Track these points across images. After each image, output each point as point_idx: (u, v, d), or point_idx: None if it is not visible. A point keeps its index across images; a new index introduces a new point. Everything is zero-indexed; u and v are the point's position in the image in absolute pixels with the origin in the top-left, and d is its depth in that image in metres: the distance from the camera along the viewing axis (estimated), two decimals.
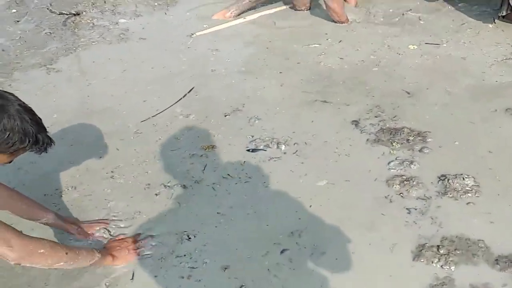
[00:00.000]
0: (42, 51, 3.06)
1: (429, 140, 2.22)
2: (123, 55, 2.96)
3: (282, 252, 1.76)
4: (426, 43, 2.96)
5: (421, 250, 1.74)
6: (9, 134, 1.37)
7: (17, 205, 1.76)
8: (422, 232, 1.81)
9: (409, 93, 2.54)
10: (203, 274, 1.67)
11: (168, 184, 2.06)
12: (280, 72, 2.76)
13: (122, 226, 1.88)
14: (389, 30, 3.13)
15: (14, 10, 3.55)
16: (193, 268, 1.70)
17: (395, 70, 2.75)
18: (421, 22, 3.21)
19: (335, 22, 3.19)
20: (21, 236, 1.47)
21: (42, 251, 1.50)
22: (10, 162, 1.48)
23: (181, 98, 2.54)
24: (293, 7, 3.41)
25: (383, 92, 2.56)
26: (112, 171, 2.13)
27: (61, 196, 2.02)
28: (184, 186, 2.05)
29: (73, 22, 3.36)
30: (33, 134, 1.42)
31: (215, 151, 2.25)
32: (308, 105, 2.50)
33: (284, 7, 3.45)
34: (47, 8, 3.52)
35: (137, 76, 2.76)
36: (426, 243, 1.77)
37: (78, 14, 3.43)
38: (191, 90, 2.59)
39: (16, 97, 1.44)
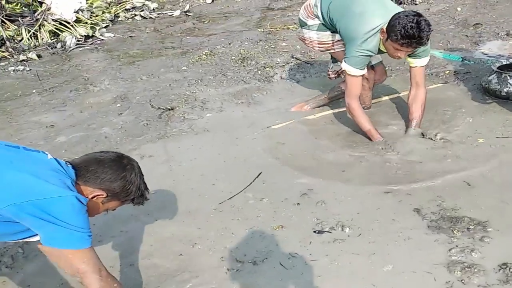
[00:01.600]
0: (139, 138, 3.52)
1: (490, 229, 2.27)
2: (205, 144, 3.33)
3: None
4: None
5: None
6: (131, 187, 1.80)
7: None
8: None
9: (469, 184, 2.63)
10: None
11: (241, 260, 2.26)
12: (344, 169, 2.95)
13: None
14: None
15: (119, 105, 4.13)
16: None
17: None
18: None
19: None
20: (105, 268, 1.75)
21: (116, 285, 1.76)
22: (114, 209, 1.90)
23: (251, 183, 2.83)
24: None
25: (445, 183, 2.67)
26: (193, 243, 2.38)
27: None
28: (255, 263, 2.25)
29: (167, 116, 3.83)
30: (143, 190, 1.87)
31: (283, 231, 2.44)
32: (372, 193, 2.66)
33: None
34: (148, 103, 4.05)
35: (214, 162, 3.09)
36: None
37: (172, 109, 3.92)
38: (259, 175, 2.89)
39: (136, 161, 1.90)
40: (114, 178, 1.76)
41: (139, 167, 1.88)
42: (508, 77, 3.43)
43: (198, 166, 3.07)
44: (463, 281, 2.02)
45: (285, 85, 4.19)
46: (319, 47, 3.39)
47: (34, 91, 4.64)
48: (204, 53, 5.06)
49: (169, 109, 3.91)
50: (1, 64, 5.48)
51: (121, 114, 3.96)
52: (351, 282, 2.08)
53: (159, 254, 2.34)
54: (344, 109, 3.40)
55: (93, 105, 4.19)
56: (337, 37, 3.20)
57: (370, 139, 3.14)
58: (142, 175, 1.88)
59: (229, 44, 5.30)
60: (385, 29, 2.81)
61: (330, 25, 3.18)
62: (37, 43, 5.98)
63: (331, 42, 3.29)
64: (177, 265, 2.26)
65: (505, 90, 3.43)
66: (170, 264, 2.27)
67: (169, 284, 2.16)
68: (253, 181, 2.85)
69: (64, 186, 1.65)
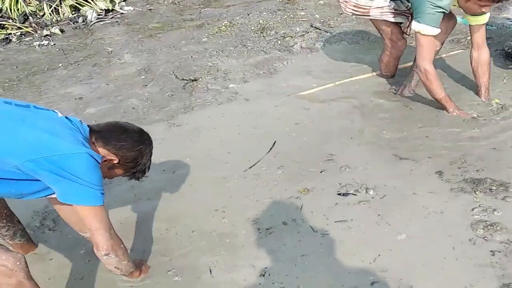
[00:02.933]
0: (165, 109, 3.61)
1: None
2: (231, 114, 3.42)
3: (372, 284, 1.98)
4: None
5: None
6: (141, 160, 1.90)
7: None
8: (507, 272, 1.93)
9: (494, 148, 2.69)
10: None
11: (270, 223, 2.38)
12: (369, 135, 3.02)
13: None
14: None
15: (143, 77, 4.22)
16: None
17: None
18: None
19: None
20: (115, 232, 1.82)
21: (122, 246, 1.86)
22: (111, 178, 1.96)
23: (269, 150, 2.93)
24: (380, 73, 3.65)
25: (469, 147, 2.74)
26: (223, 211, 2.50)
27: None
28: (285, 223, 2.36)
29: (191, 87, 3.92)
30: (147, 167, 1.97)
31: (309, 194, 2.54)
32: (395, 158, 2.74)
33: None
34: (171, 74, 4.14)
35: (240, 131, 3.19)
36: (510, 283, 1.88)
37: (196, 80, 4.00)
38: (274, 144, 2.98)
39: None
40: (131, 148, 1.84)
41: (153, 147, 1.99)
42: None
43: (224, 135, 3.16)
44: (485, 238, 2.11)
45: (306, 54, 4.22)
46: (352, 9, 3.27)
47: (60, 65, 4.75)
48: (223, 24, 5.09)
49: (193, 80, 3.99)
50: (26, 39, 5.58)
51: (146, 85, 4.05)
52: (375, 243, 2.18)
53: (189, 220, 2.48)
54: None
55: (118, 78, 4.28)
56: (376, 2, 3.14)
57: (443, 108, 3.05)
58: (152, 154, 1.98)
59: (248, 14, 5.31)
60: None
61: None
62: (59, 18, 6.06)
63: (368, 7, 3.19)
64: (209, 227, 2.39)
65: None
66: (203, 224, 2.40)
67: (209, 240, 2.29)
68: (270, 149, 2.94)
69: (78, 143, 1.69)
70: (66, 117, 1.84)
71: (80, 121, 1.88)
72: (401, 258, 2.08)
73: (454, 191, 2.41)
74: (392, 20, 3.23)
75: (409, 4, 3.05)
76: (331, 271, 2.07)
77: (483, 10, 2.80)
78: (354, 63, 3.92)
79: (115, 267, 1.85)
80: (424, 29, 2.84)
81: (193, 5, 6.09)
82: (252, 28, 4.92)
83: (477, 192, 2.37)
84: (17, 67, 4.82)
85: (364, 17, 3.37)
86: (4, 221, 2.09)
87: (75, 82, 4.30)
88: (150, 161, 1.99)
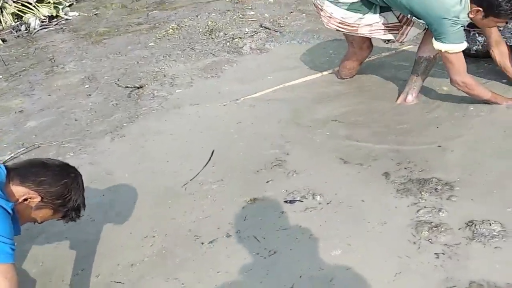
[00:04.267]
0: (109, 119, 3.47)
1: (457, 188, 2.32)
2: (175, 121, 3.31)
3: None
4: None
5: None
6: (69, 195, 1.75)
7: None
8: (450, 276, 1.89)
9: (440, 146, 2.67)
10: None
11: (214, 233, 2.28)
12: (316, 136, 2.96)
13: None
14: None
15: (87, 86, 4.06)
16: None
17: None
18: None
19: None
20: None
21: None
22: (41, 222, 1.80)
23: (210, 158, 2.84)
24: (337, 75, 3.57)
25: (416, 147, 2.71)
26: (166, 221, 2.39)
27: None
28: (228, 235, 2.27)
29: (137, 94, 3.78)
30: (79, 204, 1.81)
31: (256, 203, 2.46)
32: (341, 161, 2.68)
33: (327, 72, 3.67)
34: (115, 83, 3.99)
35: (183, 139, 3.09)
36: (454, 286, 1.84)
37: (141, 87, 3.86)
38: (212, 153, 2.87)
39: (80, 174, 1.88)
40: (54, 182, 1.71)
41: (83, 181, 1.86)
42: (477, 35, 3.42)
43: (167, 144, 3.05)
44: (430, 240, 2.07)
45: (255, 55, 4.15)
46: (337, 26, 3.11)
47: (0, 76, 4.53)
48: (171, 27, 4.97)
49: (138, 88, 3.86)
50: None
51: (90, 95, 3.90)
52: (322, 247, 2.12)
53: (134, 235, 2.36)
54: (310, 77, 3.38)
55: (61, 88, 4.11)
56: (366, 20, 3.03)
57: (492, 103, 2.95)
58: (83, 189, 1.85)
59: (197, 16, 5.20)
60: (478, 8, 2.69)
61: (381, 1, 2.93)
62: (0, 27, 5.80)
63: (357, 25, 3.05)
64: (150, 242, 2.28)
65: (474, 48, 3.44)
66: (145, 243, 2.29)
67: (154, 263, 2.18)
68: (209, 160, 2.83)
69: None
70: None
71: None
72: (342, 265, 2.02)
73: (400, 192, 2.37)
74: (383, 37, 3.13)
75: (400, 13, 2.97)
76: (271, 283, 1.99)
77: (500, 26, 2.87)
78: (303, 63, 3.86)
79: None
80: (451, 48, 2.77)
81: (141, 8, 5.95)
82: (201, 30, 4.82)
83: (422, 193, 2.33)
84: None
85: (351, 33, 3.18)
86: None
87: (15, 95, 4.11)
88: (83, 197, 1.85)
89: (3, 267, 1.50)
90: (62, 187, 1.72)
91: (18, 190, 1.66)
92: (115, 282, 2.09)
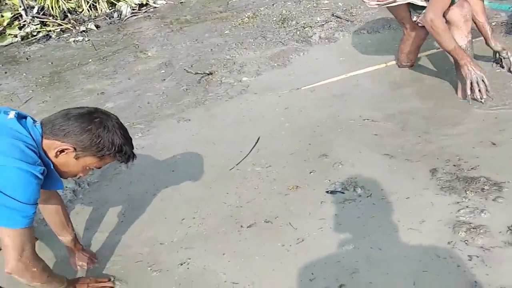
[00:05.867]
0: (177, 104, 3.69)
1: (506, 189, 2.21)
2: (237, 107, 3.44)
3: (340, 286, 1.95)
4: None
5: None
6: (100, 141, 1.71)
7: (53, 216, 2.10)
8: (480, 279, 1.83)
9: (494, 144, 2.53)
10: None
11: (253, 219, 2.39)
12: (373, 133, 2.93)
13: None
14: None
15: (163, 71, 4.32)
16: None
17: None
18: None
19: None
20: (33, 250, 1.69)
21: (34, 270, 1.71)
22: (99, 167, 1.83)
23: (255, 144, 2.94)
24: (397, 63, 3.52)
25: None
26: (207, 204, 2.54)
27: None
28: (266, 221, 2.36)
29: (206, 80, 3.97)
30: (119, 145, 1.76)
31: (297, 191, 2.52)
32: (387, 156, 2.65)
33: (392, 62, 3.60)
34: (187, 70, 4.21)
35: (242, 125, 3.20)
36: None
37: (211, 74, 4.05)
38: (258, 140, 2.97)
39: (116, 117, 1.83)
40: (78, 131, 1.68)
41: (118, 124, 1.79)
42: None
43: (224, 129, 3.20)
44: (466, 241, 2.00)
45: (323, 45, 4.15)
46: (377, 2, 3.15)
47: (90, 60, 4.96)
48: (247, 15, 5.10)
49: (208, 74, 4.04)
50: (65, 35, 5.88)
51: (164, 80, 4.15)
52: (354, 240, 2.14)
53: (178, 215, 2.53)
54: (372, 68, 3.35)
55: (140, 72, 4.42)
56: None
57: (455, 59, 2.91)
58: (122, 132, 1.79)
59: (273, 5, 5.28)
60: None
61: None
62: (96, 14, 6.31)
63: None
64: (192, 222, 2.43)
65: None
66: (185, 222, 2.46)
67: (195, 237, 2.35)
68: (255, 145, 2.93)
69: (12, 154, 1.57)
70: (21, 118, 1.73)
71: (34, 121, 1.76)
72: (373, 259, 2.03)
73: (443, 190, 2.30)
74: (419, 3, 3.02)
75: None
76: (304, 270, 2.05)
77: None
78: (371, 53, 3.81)
79: (28, 284, 1.77)
80: None
81: None
82: (274, 19, 4.89)
83: (467, 192, 2.25)
84: (52, 63, 5.09)
85: (390, 5, 3.15)
86: None
87: (100, 77, 4.49)
88: (122, 138, 1.78)
89: (11, 231, 1.60)
90: (88, 133, 1.69)
91: (51, 145, 1.69)
92: (154, 258, 2.29)
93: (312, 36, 4.31)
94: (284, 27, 4.65)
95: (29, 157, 1.59)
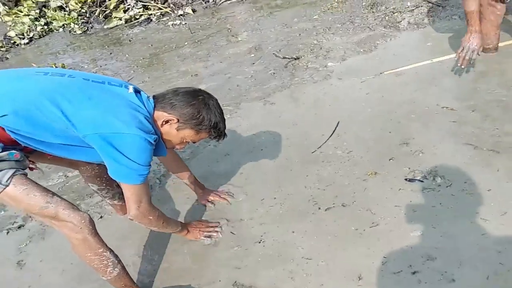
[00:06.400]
0: (264, 87, 3.86)
1: None
2: (322, 91, 3.54)
3: (413, 273, 2.02)
4: None
5: None
6: (201, 115, 1.97)
7: (173, 165, 2.49)
8: None
9: None
10: None
11: (331, 201, 2.51)
12: (453, 120, 2.90)
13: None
14: None
15: (252, 55, 4.50)
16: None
17: None
18: None
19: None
20: (150, 203, 2.01)
21: (151, 217, 2.02)
22: (194, 142, 2.06)
23: (334, 130, 3.03)
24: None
25: None
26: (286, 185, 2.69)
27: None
28: (344, 204, 2.48)
29: (293, 65, 4.09)
30: (216, 122, 2.01)
31: (376, 177, 2.59)
32: (470, 146, 2.62)
33: None
34: (273, 54, 4.35)
35: (324, 111, 3.30)
36: None
37: (298, 58, 4.16)
38: (337, 125, 3.07)
39: (216, 98, 2.07)
40: (183, 105, 1.94)
41: (216, 104, 2.03)
42: None
43: (310, 113, 3.31)
44: None
45: (411, 30, 4.09)
46: None
47: (186, 43, 5.27)
48: (336, 0, 5.11)
49: (295, 59, 4.15)
50: (164, 19, 6.24)
51: (253, 64, 4.33)
52: (427, 229, 2.19)
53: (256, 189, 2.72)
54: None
55: (231, 56, 4.63)
56: None
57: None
58: (219, 111, 2.03)
59: None
60: None
61: None
62: None
63: None
64: (273, 202, 2.60)
65: None
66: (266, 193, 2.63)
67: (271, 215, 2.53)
68: (335, 129, 3.03)
69: (134, 123, 1.81)
70: (136, 92, 1.97)
71: (148, 96, 2.00)
72: (451, 249, 2.07)
73: None
74: None
75: None
76: (376, 253, 2.15)
77: None
78: (457, 39, 3.69)
79: (147, 227, 2.13)
80: None
81: None
82: (364, 3, 4.86)
83: None
84: (151, 45, 5.47)
85: None
86: (104, 184, 2.53)
87: (194, 60, 4.76)
88: (219, 116, 2.03)
89: (131, 186, 1.89)
90: (191, 107, 1.94)
91: (159, 115, 1.96)
92: (232, 234, 2.49)
93: (401, 21, 4.26)
94: (373, 12, 4.62)
95: (145, 127, 1.85)
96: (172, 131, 1.98)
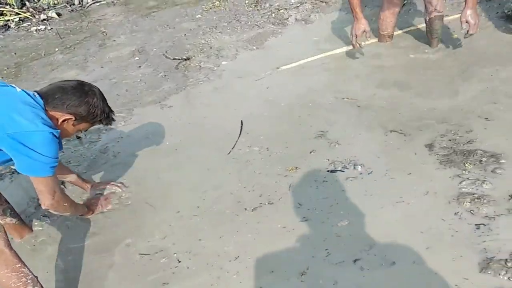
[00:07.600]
0: (158, 90, 3.59)
1: (503, 161, 2.28)
2: (220, 92, 3.39)
3: (355, 261, 1.96)
4: None
5: (488, 263, 1.83)
6: (95, 110, 2.07)
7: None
8: (490, 246, 1.90)
9: (487, 119, 2.61)
10: None
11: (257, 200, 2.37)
12: (358, 106, 2.96)
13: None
14: None
15: (137, 58, 4.19)
16: None
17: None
18: None
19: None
20: (62, 191, 2.11)
21: (65, 204, 2.13)
22: (85, 130, 2.18)
23: (241, 128, 2.94)
24: (379, 39, 3.58)
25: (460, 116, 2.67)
26: (204, 192, 2.50)
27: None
28: (270, 202, 2.35)
29: (184, 66, 3.88)
30: (107, 112, 2.16)
31: (297, 172, 2.51)
32: (385, 131, 2.68)
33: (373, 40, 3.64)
34: (163, 55, 4.10)
35: (227, 110, 3.16)
36: (494, 257, 1.85)
37: (189, 59, 3.96)
38: (242, 125, 2.96)
39: (97, 86, 2.15)
40: (77, 103, 2.01)
41: (101, 92, 2.15)
42: None
43: (213, 114, 3.14)
44: (471, 211, 2.07)
45: (300, 26, 4.14)
46: None
47: (56, 49, 4.74)
48: None
49: (185, 59, 3.95)
50: (25, 25, 5.57)
51: (140, 67, 4.03)
52: (361, 216, 2.16)
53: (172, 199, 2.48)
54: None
55: (112, 60, 4.26)
56: None
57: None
58: (105, 99, 2.16)
59: None
60: None
61: None
62: (56, 1, 6.03)
63: None
64: (199, 203, 2.39)
65: None
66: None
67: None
68: (241, 127, 2.93)
69: (38, 119, 1.87)
70: (24, 91, 1.96)
71: (34, 92, 1.99)
72: (384, 233, 2.06)
73: (443, 164, 2.36)
74: None
75: None
76: (313, 244, 2.06)
77: None
78: (347, 33, 3.82)
79: (60, 215, 2.25)
80: None
81: None
82: (247, 1, 4.83)
83: (466, 165, 2.31)
84: (15, 53, 4.83)
85: None
86: None
87: (70, 67, 4.30)
88: (107, 105, 2.17)
89: (44, 179, 1.96)
90: (86, 105, 2.03)
91: (55, 115, 1.99)
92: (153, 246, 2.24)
93: (288, 18, 4.30)
94: (258, 9, 4.60)
95: (48, 122, 1.92)
96: (69, 127, 2.08)
